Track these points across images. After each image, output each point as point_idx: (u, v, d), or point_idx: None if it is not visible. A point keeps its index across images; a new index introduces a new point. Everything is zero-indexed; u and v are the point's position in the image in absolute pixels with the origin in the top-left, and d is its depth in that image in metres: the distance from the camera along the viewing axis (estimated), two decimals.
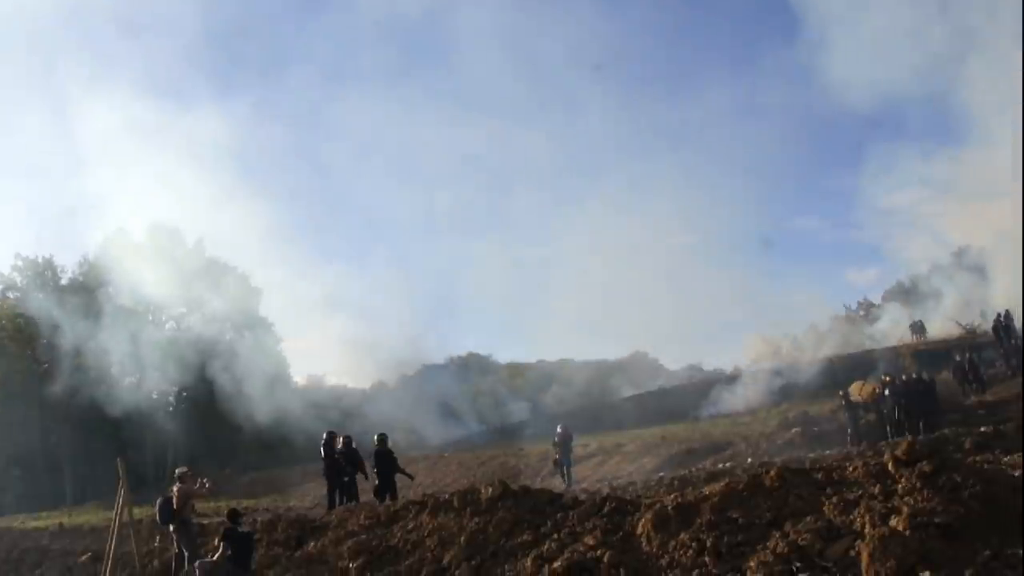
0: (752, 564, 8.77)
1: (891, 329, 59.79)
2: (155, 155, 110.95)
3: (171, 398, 62.09)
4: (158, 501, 18.86)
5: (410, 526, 14.33)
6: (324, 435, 23.41)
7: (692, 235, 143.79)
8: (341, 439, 23.24)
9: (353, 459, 22.62)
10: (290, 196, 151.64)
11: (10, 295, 61.28)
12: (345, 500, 22.01)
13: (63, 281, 61.97)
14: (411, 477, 23.31)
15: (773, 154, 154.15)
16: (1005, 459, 12.44)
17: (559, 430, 30.02)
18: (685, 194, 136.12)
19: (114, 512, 19.63)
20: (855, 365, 44.69)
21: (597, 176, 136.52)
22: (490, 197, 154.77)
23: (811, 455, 25.39)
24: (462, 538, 12.52)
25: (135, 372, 58.19)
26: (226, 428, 56.97)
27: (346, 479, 22.48)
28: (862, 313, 77.51)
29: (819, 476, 10.42)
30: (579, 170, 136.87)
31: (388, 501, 20.38)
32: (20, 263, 61.64)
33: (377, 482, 21.77)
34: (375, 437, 23.13)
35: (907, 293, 71.54)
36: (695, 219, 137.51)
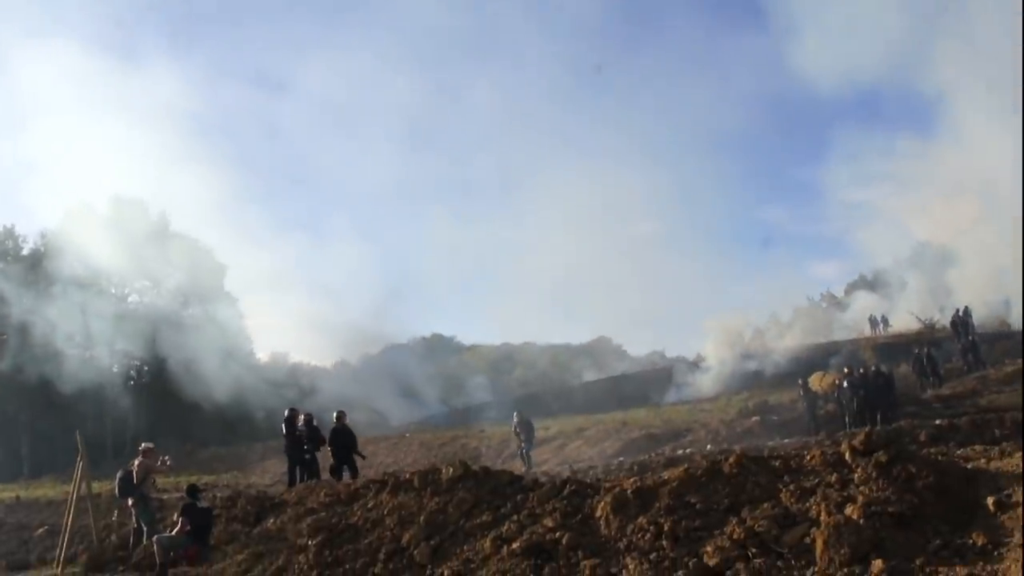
0: (709, 549, 8.87)
1: (860, 316, 60.08)
2: (102, 115, 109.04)
3: (132, 372, 61.52)
4: (118, 474, 18.82)
5: (370, 505, 14.34)
6: (286, 412, 23.34)
7: (657, 223, 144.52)
8: (302, 416, 23.17)
9: (314, 437, 22.54)
10: (243, 161, 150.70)
11: None
12: (306, 477, 21.97)
13: (24, 252, 61.16)
14: (363, 457, 23.20)
15: (741, 144, 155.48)
16: (958, 451, 12.62)
17: (515, 418, 30.21)
18: (651, 182, 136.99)
19: (72, 486, 19.53)
20: (816, 356, 45.16)
21: (563, 163, 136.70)
22: (452, 171, 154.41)
23: (770, 443, 25.67)
24: (422, 518, 12.55)
25: (93, 346, 57.58)
26: (186, 404, 56.53)
27: (307, 457, 22.43)
28: (824, 305, 78.23)
29: (777, 464, 10.53)
30: (545, 156, 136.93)
31: (348, 479, 20.41)
32: None
33: (333, 460, 21.82)
34: (334, 414, 23.09)
35: (869, 286, 72.27)
36: (661, 207, 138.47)
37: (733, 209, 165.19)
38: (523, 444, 29.60)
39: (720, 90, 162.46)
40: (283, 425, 23.00)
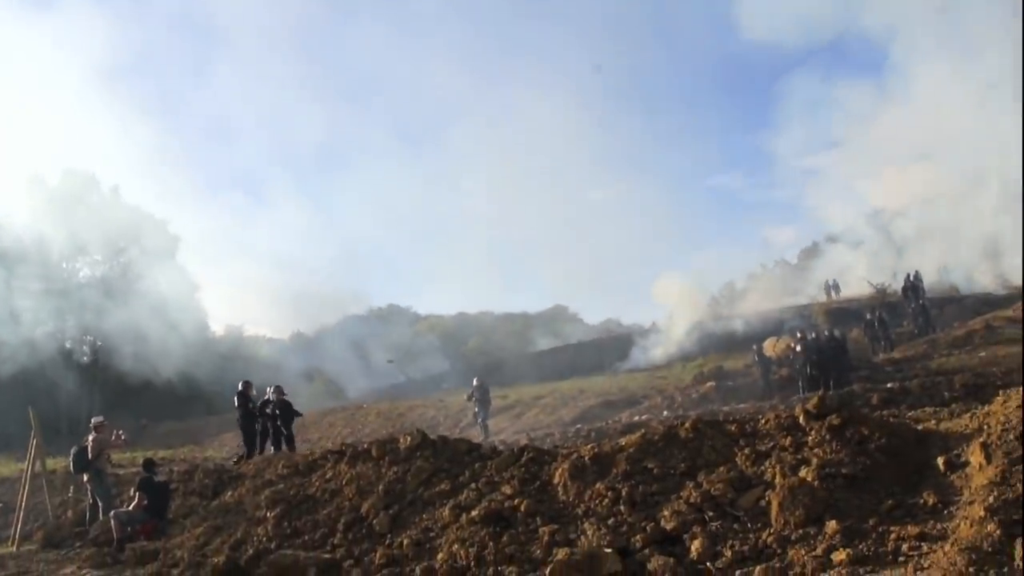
0: (666, 513, 8.96)
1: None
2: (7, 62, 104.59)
3: (85, 348, 60.79)
4: (72, 450, 18.67)
5: (328, 475, 14.34)
6: (240, 385, 23.14)
7: (610, 190, 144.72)
8: (271, 390, 23.02)
9: (288, 410, 22.57)
10: (171, 112, 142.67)
11: None
12: (273, 447, 22.02)
13: None
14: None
15: (695, 110, 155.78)
16: (909, 413, 12.82)
17: (475, 383, 30.18)
18: (603, 148, 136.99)
19: (26, 463, 19.36)
20: (769, 322, 45.55)
21: (512, 129, 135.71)
22: (397, 131, 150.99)
23: (725, 408, 25.91)
24: (380, 487, 12.57)
25: (42, 323, 56.76)
26: (140, 379, 55.97)
27: (266, 426, 22.38)
28: (778, 272, 78.74)
29: (732, 428, 10.64)
30: (494, 122, 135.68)
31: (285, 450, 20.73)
32: None
33: (273, 433, 22.17)
34: (271, 388, 23.07)
35: (820, 253, 72.85)
36: (614, 174, 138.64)
37: (685, 176, 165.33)
38: (479, 412, 29.64)
39: (670, 53, 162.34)
40: (235, 398, 22.80)
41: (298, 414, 22.99)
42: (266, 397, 22.79)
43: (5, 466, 33.09)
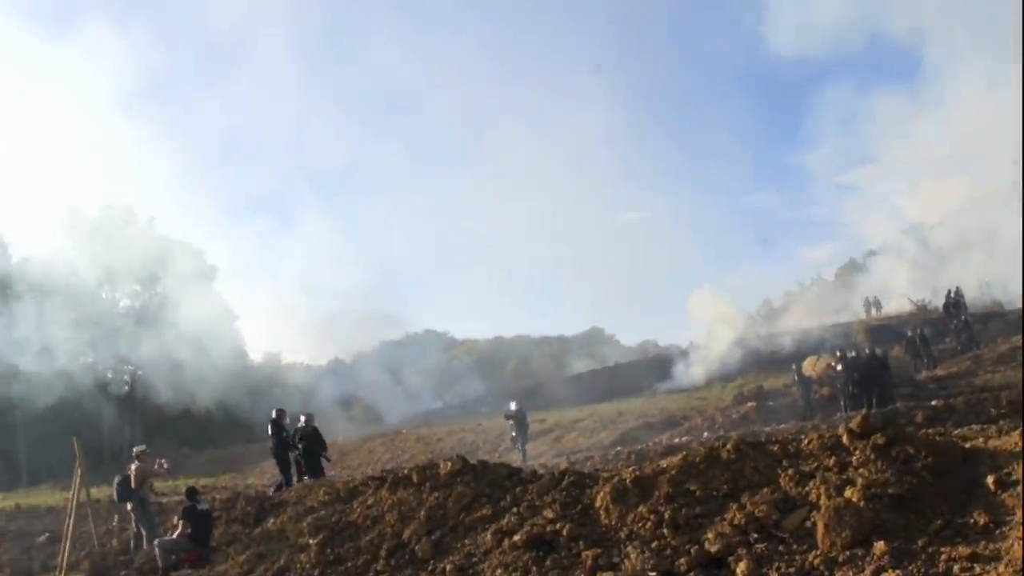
0: (710, 535, 8.89)
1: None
2: (36, 85, 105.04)
3: (126, 377, 61.34)
4: (116, 479, 18.82)
5: (369, 502, 14.34)
6: (273, 413, 23.00)
7: (646, 211, 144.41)
8: (304, 418, 23.02)
9: (317, 439, 22.54)
10: (191, 134, 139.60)
11: None
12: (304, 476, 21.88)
13: (13, 260, 60.84)
14: (328, 460, 23.21)
15: (728, 128, 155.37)
16: (956, 432, 12.66)
17: (513, 407, 30.11)
18: (639, 169, 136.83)
19: (71, 492, 19.49)
20: (808, 340, 45.23)
21: (547, 149, 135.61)
22: (430, 156, 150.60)
23: (766, 428, 25.72)
24: (422, 513, 12.56)
25: (84, 353, 57.32)
26: (180, 408, 56.35)
27: (298, 455, 22.26)
28: (816, 290, 78.23)
29: (775, 449, 10.55)
30: (531, 144, 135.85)
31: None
32: None
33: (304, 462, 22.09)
34: (301, 417, 23.06)
35: (859, 270, 72.29)
36: (649, 195, 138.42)
37: (720, 194, 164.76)
38: (517, 437, 29.54)
39: (700, 71, 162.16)
40: (269, 426, 22.71)
41: (323, 447, 22.88)
42: (299, 425, 22.80)
43: (51, 496, 33.41)
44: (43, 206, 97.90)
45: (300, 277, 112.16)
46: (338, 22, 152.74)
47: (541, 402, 45.86)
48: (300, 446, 22.07)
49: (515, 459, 27.04)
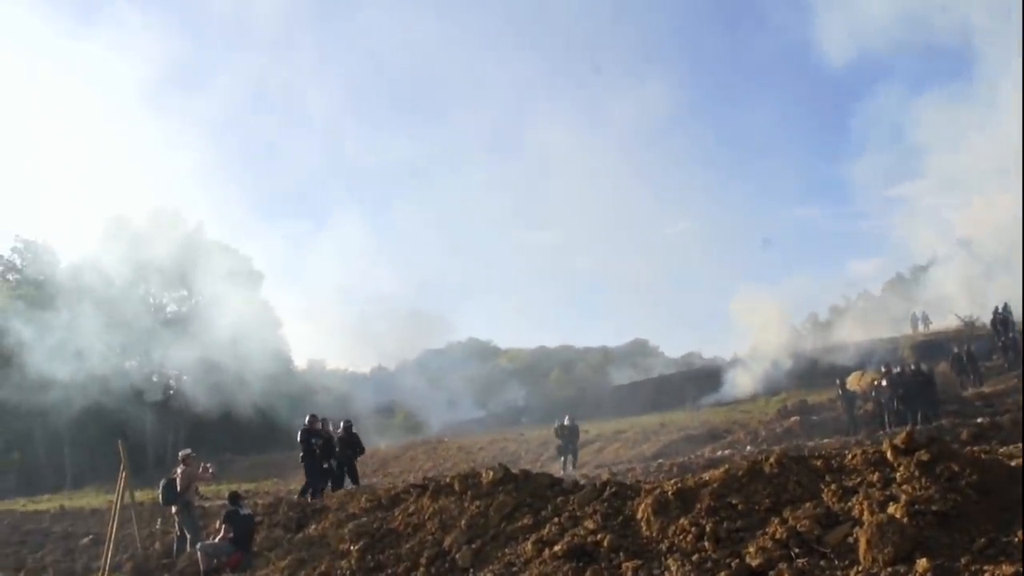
0: (751, 549, 8.85)
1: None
2: (61, 78, 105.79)
3: (171, 381, 61.98)
4: (162, 482, 19.05)
5: (411, 509, 14.42)
6: (305, 420, 22.94)
7: (691, 222, 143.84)
8: (341, 423, 23.14)
9: (353, 444, 22.64)
10: (224, 134, 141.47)
11: (10, 277, 61.25)
12: (332, 486, 21.87)
13: (62, 264, 61.71)
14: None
15: (776, 140, 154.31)
16: (1001, 449, 12.51)
17: (566, 420, 30.20)
18: (682, 180, 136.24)
19: (115, 495, 19.74)
20: (854, 354, 44.85)
21: (592, 159, 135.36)
22: (473, 153, 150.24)
23: (810, 443, 25.53)
24: (463, 521, 12.61)
25: (130, 357, 58.01)
26: (224, 413, 56.83)
27: (326, 465, 22.23)
28: (862, 304, 77.46)
29: (818, 463, 10.48)
30: (574, 155, 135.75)
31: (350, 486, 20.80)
32: (20, 245, 61.70)
33: (338, 466, 22.28)
34: (341, 423, 23.13)
35: (907, 285, 71.51)
36: (694, 207, 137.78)
37: (765, 206, 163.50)
38: (566, 448, 29.59)
39: (746, 82, 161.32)
40: (299, 433, 22.48)
41: (360, 451, 22.97)
42: (337, 431, 22.88)
43: (95, 498, 33.86)
44: (77, 209, 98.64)
45: (335, 282, 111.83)
46: (377, 14, 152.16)
47: (583, 413, 45.74)
48: (337, 452, 22.22)
49: (557, 469, 27.07)
